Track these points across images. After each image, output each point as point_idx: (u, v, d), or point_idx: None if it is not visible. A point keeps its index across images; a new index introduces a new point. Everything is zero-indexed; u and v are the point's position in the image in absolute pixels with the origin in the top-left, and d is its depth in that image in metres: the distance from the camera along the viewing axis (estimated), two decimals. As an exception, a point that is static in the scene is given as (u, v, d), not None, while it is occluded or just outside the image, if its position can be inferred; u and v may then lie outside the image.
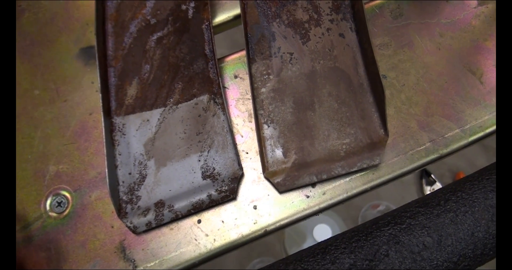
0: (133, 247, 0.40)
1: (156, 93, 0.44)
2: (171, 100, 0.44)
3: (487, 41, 0.49)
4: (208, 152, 0.42)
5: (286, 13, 0.48)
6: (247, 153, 0.43)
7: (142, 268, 0.39)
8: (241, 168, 0.42)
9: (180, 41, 0.46)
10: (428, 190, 1.35)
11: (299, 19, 0.48)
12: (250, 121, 0.45)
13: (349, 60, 0.46)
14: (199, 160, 0.42)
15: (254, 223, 0.41)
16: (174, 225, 0.40)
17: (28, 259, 0.40)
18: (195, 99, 0.44)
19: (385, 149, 0.44)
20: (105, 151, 0.39)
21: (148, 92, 0.44)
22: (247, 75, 0.45)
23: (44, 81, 0.46)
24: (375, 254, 0.33)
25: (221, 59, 0.48)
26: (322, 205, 0.42)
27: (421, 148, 0.44)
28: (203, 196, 0.40)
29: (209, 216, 0.41)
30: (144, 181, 0.41)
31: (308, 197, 0.42)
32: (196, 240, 0.40)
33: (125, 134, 0.42)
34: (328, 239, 0.36)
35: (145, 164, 0.41)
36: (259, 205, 0.41)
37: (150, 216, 0.39)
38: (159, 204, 0.40)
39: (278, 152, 0.42)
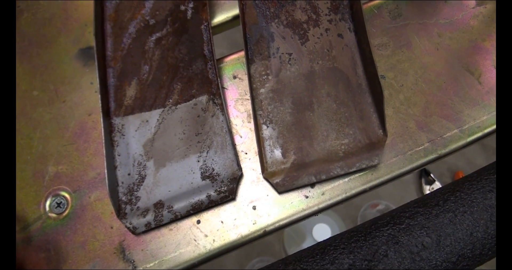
0: (132, 247, 0.40)
1: (155, 94, 0.44)
2: (170, 100, 0.44)
3: (485, 41, 0.49)
4: (207, 152, 0.42)
5: (285, 13, 0.48)
6: (246, 153, 0.43)
7: (141, 268, 0.39)
8: (240, 169, 0.42)
9: (179, 42, 0.46)
10: (427, 189, 1.35)
11: (297, 19, 0.48)
12: (249, 122, 0.45)
13: (347, 61, 0.46)
14: (198, 161, 0.42)
15: (254, 224, 0.41)
16: (173, 226, 0.41)
17: (27, 260, 0.40)
18: (194, 99, 0.44)
19: (384, 150, 0.44)
20: (104, 151, 0.39)
21: (147, 92, 0.44)
22: (246, 76, 0.45)
23: (43, 82, 0.46)
24: (374, 255, 0.33)
25: (220, 60, 0.48)
26: (321, 206, 0.42)
27: (420, 148, 0.44)
28: (202, 196, 0.40)
29: (208, 217, 0.41)
30: (143, 181, 0.41)
31: (307, 197, 0.42)
32: (195, 240, 0.40)
33: (124, 135, 0.42)
34: (327, 239, 0.36)
35: (144, 165, 0.41)
36: (258, 206, 0.42)
37: (150, 217, 0.39)
38: (159, 205, 0.40)
39: (277, 153, 0.42)
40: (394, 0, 0.51)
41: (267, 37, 0.47)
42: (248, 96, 0.46)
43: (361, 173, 0.43)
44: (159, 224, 0.40)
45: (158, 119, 0.43)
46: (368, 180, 0.43)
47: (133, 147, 0.42)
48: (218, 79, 0.43)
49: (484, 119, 0.46)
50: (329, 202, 0.42)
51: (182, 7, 0.47)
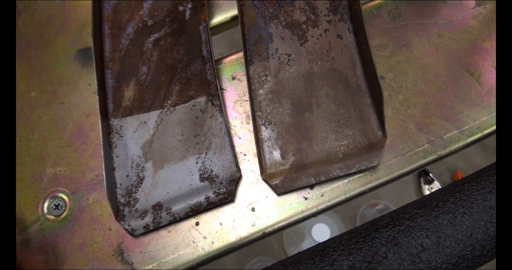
0: (131, 249, 0.40)
1: (154, 95, 0.44)
2: (169, 102, 0.44)
3: (485, 41, 0.49)
4: (206, 154, 0.42)
5: (284, 14, 0.48)
6: (245, 155, 0.43)
7: (140, 270, 0.39)
8: (239, 170, 0.42)
9: (177, 43, 0.46)
10: (426, 189, 1.36)
11: (296, 20, 0.48)
12: (248, 123, 0.45)
13: (347, 61, 0.46)
14: (197, 162, 0.42)
15: (252, 225, 0.41)
16: (172, 228, 0.40)
17: (25, 262, 0.40)
18: (192, 101, 0.44)
19: (383, 151, 0.44)
20: (102, 153, 0.39)
21: (145, 94, 0.44)
22: (245, 77, 0.45)
23: (41, 83, 0.46)
24: (373, 256, 0.33)
25: (219, 61, 0.48)
26: (321, 207, 0.42)
27: (419, 149, 0.44)
28: (201, 198, 0.40)
29: (207, 219, 0.41)
30: (141, 183, 0.41)
31: (306, 199, 0.42)
32: (194, 242, 0.40)
33: (122, 136, 0.42)
34: (326, 241, 0.36)
35: (143, 166, 0.41)
36: (257, 207, 0.42)
37: (148, 219, 0.39)
38: (157, 207, 0.40)
39: (276, 154, 0.42)
40: (393, 0, 0.51)
41: (266, 37, 0.47)
42: (247, 97, 0.46)
43: (360, 174, 0.43)
44: (158, 226, 0.40)
45: (156, 121, 0.43)
46: (367, 181, 0.43)
47: (131, 148, 0.42)
48: (217, 80, 0.43)
49: (484, 120, 0.46)
50: (328, 204, 0.42)
51: (181, 8, 0.47)
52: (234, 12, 0.49)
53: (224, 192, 0.40)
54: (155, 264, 0.39)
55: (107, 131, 0.42)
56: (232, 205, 0.42)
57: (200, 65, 0.45)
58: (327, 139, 0.43)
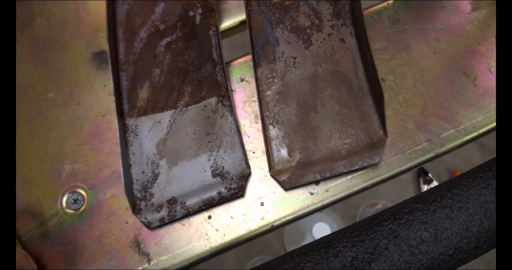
0: (147, 241, 0.41)
1: (167, 96, 0.46)
2: (181, 102, 0.46)
3: (480, 45, 0.51)
4: (217, 151, 0.44)
5: (289, 19, 0.50)
6: (254, 152, 0.45)
7: (156, 261, 0.41)
8: (248, 167, 0.43)
9: (188, 46, 0.48)
10: (425, 189, 1.36)
11: (301, 24, 0.49)
12: (257, 122, 0.46)
13: (349, 64, 0.48)
14: (209, 160, 0.43)
15: (261, 219, 0.43)
16: (186, 221, 0.42)
17: (45, 253, 0.41)
18: (204, 101, 0.46)
19: (384, 149, 0.45)
20: (119, 151, 0.41)
21: (159, 95, 0.46)
22: (253, 79, 0.47)
23: (58, 85, 0.48)
24: (375, 248, 0.34)
25: (228, 63, 0.49)
26: (325, 202, 0.43)
27: (418, 147, 0.46)
28: (213, 193, 0.42)
29: (219, 212, 0.43)
30: (156, 179, 0.43)
31: (312, 194, 0.44)
32: (206, 234, 0.42)
33: (137, 135, 0.44)
34: (331, 234, 0.37)
35: (158, 163, 0.43)
36: (266, 202, 0.43)
37: (163, 212, 0.41)
38: (172, 201, 0.42)
39: (284, 152, 0.44)
40: (393, 5, 0.52)
41: (272, 41, 0.48)
42: (255, 98, 0.48)
43: (363, 171, 0.45)
44: (173, 219, 0.41)
45: (170, 120, 0.45)
46: (369, 177, 0.45)
47: (146, 146, 0.44)
48: (227, 82, 0.45)
49: (479, 119, 0.47)
50: (333, 199, 0.44)
51: (191, 13, 0.49)
52: (242, 17, 0.51)
53: (235, 187, 0.42)
54: (170, 255, 0.41)
55: (123, 130, 0.44)
56: (242, 199, 0.43)
57: (211, 68, 0.47)
58: (331, 137, 0.45)
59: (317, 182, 0.44)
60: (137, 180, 0.42)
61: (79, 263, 0.41)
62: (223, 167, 0.43)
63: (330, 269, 0.33)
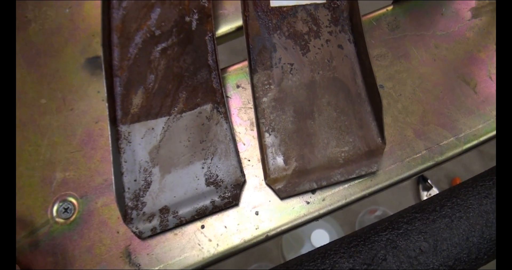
0: (138, 252, 0.41)
1: (161, 102, 0.45)
2: (176, 109, 0.45)
3: (481, 52, 0.51)
4: (211, 159, 0.43)
5: (287, 25, 0.49)
6: (249, 160, 0.45)
7: (147, 272, 0.40)
8: (243, 175, 0.43)
9: (184, 52, 0.47)
10: (424, 195, 1.36)
11: (299, 31, 0.49)
12: (252, 130, 0.46)
13: (347, 71, 0.47)
14: (203, 167, 0.43)
15: (256, 229, 0.42)
16: (178, 231, 0.41)
17: (35, 263, 0.41)
18: (198, 108, 0.45)
19: (383, 157, 0.45)
20: (111, 158, 0.40)
21: (153, 101, 0.45)
22: (249, 85, 0.47)
23: (51, 90, 0.47)
24: (373, 259, 0.33)
25: (224, 69, 0.49)
26: (322, 211, 0.43)
27: (417, 155, 0.45)
28: (207, 202, 0.41)
29: (212, 222, 0.42)
30: (149, 187, 0.42)
31: (308, 203, 0.43)
32: (199, 245, 0.41)
33: (130, 142, 0.43)
34: (327, 244, 0.37)
35: (150, 171, 0.42)
36: (261, 211, 0.43)
37: (155, 222, 0.40)
38: (164, 210, 0.41)
39: (279, 160, 0.44)
40: (392, 10, 0.52)
41: (269, 47, 0.48)
42: (251, 105, 0.47)
43: (360, 180, 0.44)
44: (165, 229, 0.41)
45: (163, 127, 0.44)
46: (367, 186, 0.44)
47: (139, 154, 0.43)
48: (222, 88, 0.45)
49: (480, 127, 0.47)
50: (329, 208, 0.43)
51: (187, 19, 0.48)
52: (239, 23, 0.51)
53: (229, 196, 0.42)
54: (161, 266, 0.40)
55: (116, 137, 0.43)
56: (237, 209, 0.43)
57: (206, 74, 0.46)
58: (329, 145, 0.44)
59: (313, 191, 0.43)
60: (129, 189, 0.41)
61: (69, 273, 0.40)
62: (217, 175, 0.42)
63: (326, 282, 0.33)
